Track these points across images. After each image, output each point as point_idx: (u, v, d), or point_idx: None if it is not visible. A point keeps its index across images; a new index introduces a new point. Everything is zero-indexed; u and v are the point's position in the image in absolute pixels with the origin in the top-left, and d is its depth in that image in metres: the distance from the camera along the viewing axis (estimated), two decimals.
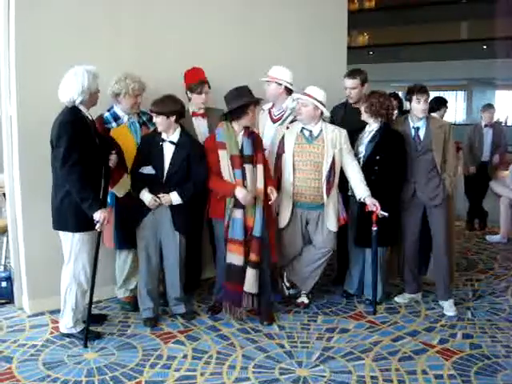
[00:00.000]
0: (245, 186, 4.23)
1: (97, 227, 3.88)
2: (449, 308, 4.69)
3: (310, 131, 4.53)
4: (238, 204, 4.26)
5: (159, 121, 4.18)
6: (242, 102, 4.25)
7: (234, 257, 4.28)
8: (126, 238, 4.48)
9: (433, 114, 5.30)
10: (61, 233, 4.02)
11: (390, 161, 4.59)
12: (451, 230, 4.82)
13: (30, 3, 4.29)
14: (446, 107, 7.07)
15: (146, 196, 4.21)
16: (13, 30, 4.26)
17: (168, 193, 4.21)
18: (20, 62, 4.29)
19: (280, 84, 4.82)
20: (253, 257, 4.28)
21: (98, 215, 3.83)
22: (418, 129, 4.66)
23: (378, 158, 4.59)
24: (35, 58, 4.34)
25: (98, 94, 4.02)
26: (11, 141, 4.45)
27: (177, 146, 4.25)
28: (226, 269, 4.33)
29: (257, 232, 4.28)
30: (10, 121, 4.42)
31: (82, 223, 3.89)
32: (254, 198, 4.25)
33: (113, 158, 4.17)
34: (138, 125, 4.53)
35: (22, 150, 4.36)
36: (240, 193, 4.19)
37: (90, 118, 3.98)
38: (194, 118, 4.78)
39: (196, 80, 4.69)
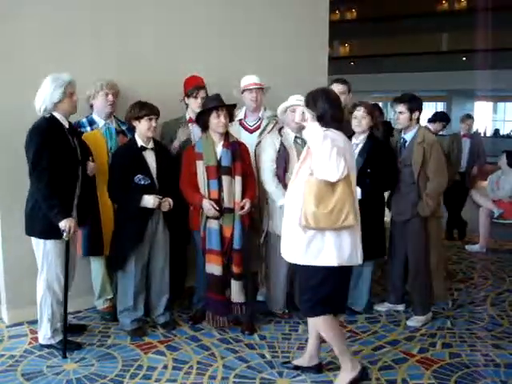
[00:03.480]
0: (221, 198, 4.24)
1: (64, 236, 3.83)
2: (412, 320, 4.71)
3: (302, 139, 4.45)
4: None
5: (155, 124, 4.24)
6: (208, 106, 4.26)
7: (213, 267, 4.27)
8: (94, 245, 4.47)
9: (428, 126, 5.27)
10: (33, 240, 3.99)
11: (380, 172, 4.55)
12: (435, 247, 4.69)
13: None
14: (443, 121, 7.18)
15: (147, 199, 4.14)
16: None
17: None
18: None
19: (262, 90, 4.84)
20: (236, 269, 4.29)
21: (63, 224, 3.79)
22: (405, 140, 4.64)
23: (368, 170, 4.55)
24: (7, 65, 4.33)
25: (74, 101, 3.95)
26: None
27: (157, 153, 4.29)
28: (207, 279, 4.32)
29: (237, 245, 4.29)
30: None
31: (51, 230, 3.84)
32: (221, 210, 4.23)
33: (91, 165, 4.14)
34: (114, 130, 4.52)
35: None
36: (205, 204, 4.20)
37: (66, 125, 3.95)
38: (190, 125, 4.78)
39: (192, 85, 4.71)
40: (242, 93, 4.85)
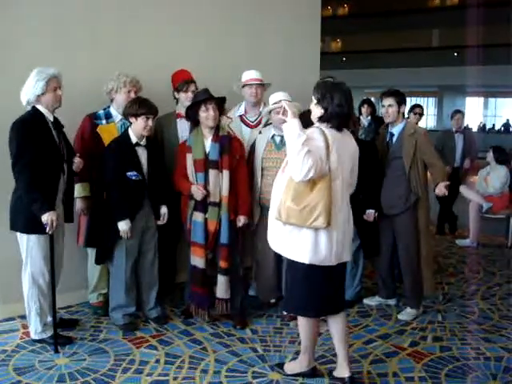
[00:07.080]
0: (207, 190, 4.24)
1: (47, 230, 3.81)
2: (403, 313, 4.74)
3: (282, 137, 4.38)
4: (198, 207, 4.29)
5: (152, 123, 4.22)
6: (195, 100, 4.28)
7: (196, 260, 4.31)
8: (95, 237, 4.44)
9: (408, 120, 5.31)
10: (17, 235, 3.98)
11: (370, 174, 4.55)
12: (424, 240, 4.70)
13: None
14: (415, 113, 7.16)
15: (121, 225, 4.17)
16: None
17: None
18: None
19: (263, 86, 4.84)
20: (222, 264, 4.31)
21: (45, 218, 3.76)
22: (392, 134, 4.67)
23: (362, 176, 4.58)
24: (6, 65, 4.32)
25: (58, 95, 3.90)
26: None
27: (148, 150, 4.29)
28: (191, 271, 4.36)
29: (224, 239, 4.30)
30: None
31: (34, 225, 3.82)
32: (208, 197, 4.26)
33: (76, 161, 4.10)
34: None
35: None
36: (193, 189, 4.24)
37: (51, 119, 3.93)
38: (178, 120, 4.74)
39: (182, 80, 4.68)
40: (243, 87, 4.85)
